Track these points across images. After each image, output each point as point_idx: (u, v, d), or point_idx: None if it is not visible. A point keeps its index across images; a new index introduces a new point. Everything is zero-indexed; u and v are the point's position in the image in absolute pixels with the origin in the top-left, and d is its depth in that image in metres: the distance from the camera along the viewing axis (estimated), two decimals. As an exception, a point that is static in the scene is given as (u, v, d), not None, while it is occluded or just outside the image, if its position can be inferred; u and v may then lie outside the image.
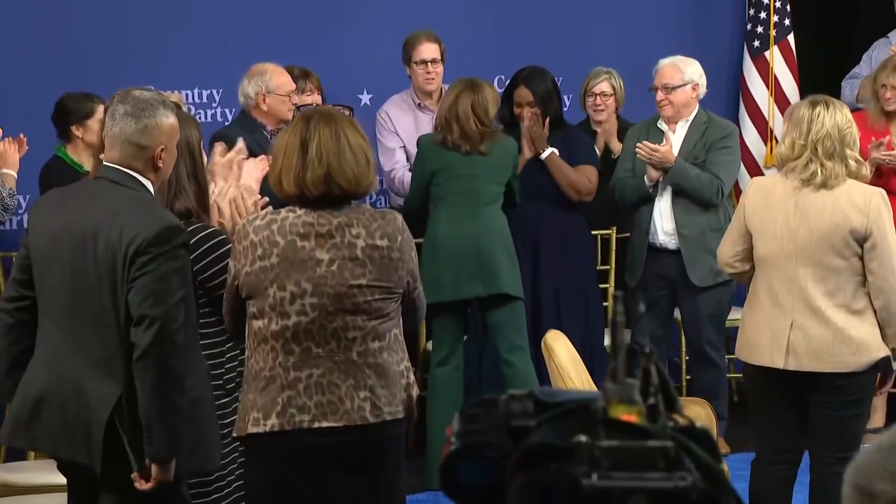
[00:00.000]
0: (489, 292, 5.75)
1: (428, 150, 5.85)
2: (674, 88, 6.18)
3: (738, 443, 6.06)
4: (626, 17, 7.45)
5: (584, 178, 6.10)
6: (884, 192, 4.50)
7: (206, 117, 6.58)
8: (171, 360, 3.46)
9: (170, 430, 3.46)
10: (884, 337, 4.49)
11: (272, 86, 5.79)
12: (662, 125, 6.21)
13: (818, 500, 4.58)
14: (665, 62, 6.30)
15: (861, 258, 4.44)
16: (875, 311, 4.48)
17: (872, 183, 4.83)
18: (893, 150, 6.17)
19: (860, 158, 4.49)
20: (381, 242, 3.62)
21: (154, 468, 3.49)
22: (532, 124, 6.02)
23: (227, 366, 3.93)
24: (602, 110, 6.62)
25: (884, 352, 4.51)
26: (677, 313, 6.39)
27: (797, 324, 4.48)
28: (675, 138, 6.15)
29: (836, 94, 6.95)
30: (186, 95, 6.57)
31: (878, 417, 6.37)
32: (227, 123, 6.39)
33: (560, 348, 4.65)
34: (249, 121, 5.81)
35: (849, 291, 4.46)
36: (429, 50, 6.38)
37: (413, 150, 6.10)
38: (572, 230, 6.19)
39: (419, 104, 6.44)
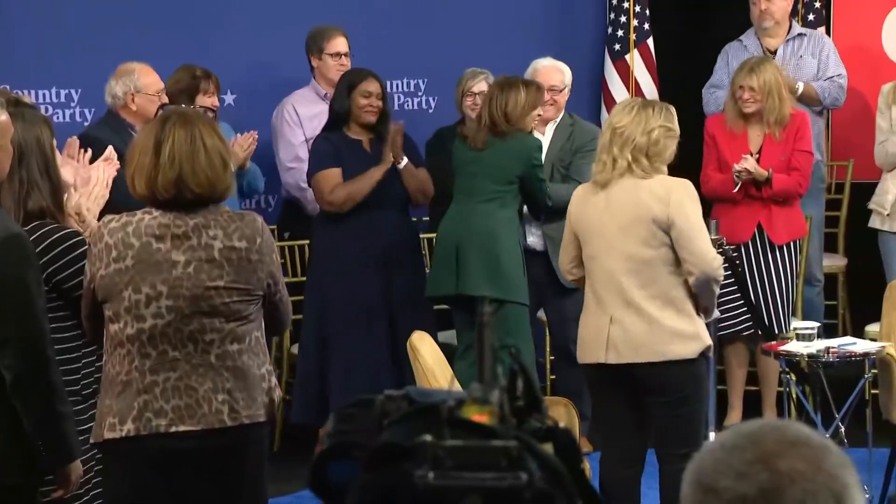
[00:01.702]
0: (457, 292, 5.76)
1: (455, 144, 5.96)
2: (560, 90, 6.26)
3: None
4: (489, 20, 7.49)
5: (430, 182, 6.12)
6: (688, 183, 4.62)
7: (63, 118, 6.44)
8: (48, 374, 3.44)
9: (63, 435, 3.50)
10: (697, 308, 4.60)
11: (141, 85, 5.74)
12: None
13: (668, 497, 4.66)
14: (545, 63, 6.35)
15: (671, 248, 4.55)
16: (693, 303, 4.60)
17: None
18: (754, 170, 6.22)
19: (630, 157, 4.57)
20: (239, 244, 3.57)
21: (61, 473, 3.54)
22: (396, 133, 5.99)
23: (83, 371, 3.85)
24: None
25: (704, 344, 4.61)
26: (541, 314, 6.44)
27: (615, 318, 4.59)
28: (543, 141, 6.19)
29: (695, 96, 7.08)
30: (43, 95, 6.44)
31: (735, 415, 6.49)
32: (86, 124, 6.28)
33: (425, 349, 4.67)
34: (116, 121, 5.75)
35: (662, 282, 4.56)
36: (342, 44, 6.51)
37: None
38: (415, 233, 6.25)
39: (326, 95, 6.44)
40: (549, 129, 6.28)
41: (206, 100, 6.06)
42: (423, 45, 7.22)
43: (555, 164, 6.19)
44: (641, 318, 4.56)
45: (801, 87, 6.83)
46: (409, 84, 7.19)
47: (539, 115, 5.91)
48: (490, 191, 5.79)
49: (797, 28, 7.07)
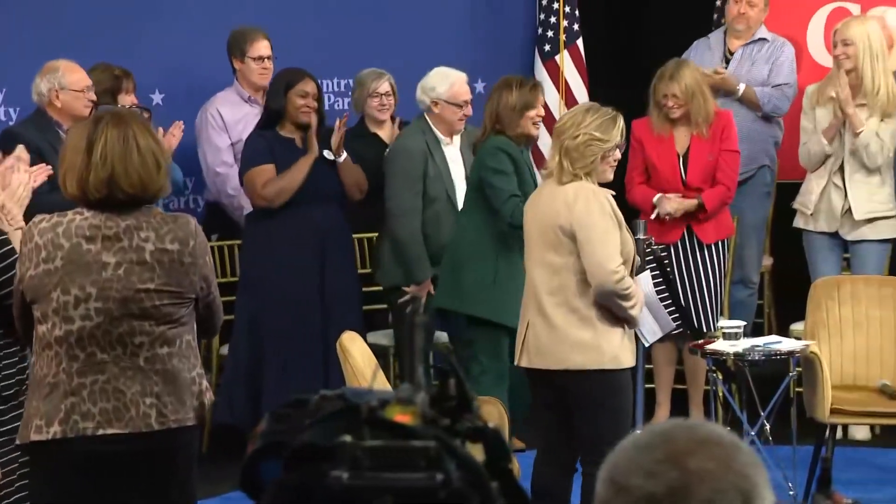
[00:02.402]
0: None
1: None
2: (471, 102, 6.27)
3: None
4: (419, 20, 7.49)
5: (365, 177, 6.11)
6: (601, 191, 4.55)
7: (-11, 117, 6.37)
8: None
9: None
10: (613, 317, 4.53)
11: (65, 82, 5.69)
12: (444, 137, 6.22)
13: (585, 501, 4.68)
14: (463, 76, 6.33)
15: (579, 257, 4.51)
16: (605, 313, 4.54)
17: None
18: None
19: (558, 158, 4.56)
20: (171, 246, 3.55)
21: None
22: (341, 126, 6.01)
23: (3, 372, 3.81)
24: (387, 110, 6.64)
25: (613, 361, 4.53)
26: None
27: (531, 322, 4.62)
28: (454, 150, 6.20)
29: (625, 97, 7.11)
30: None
31: (662, 413, 6.54)
32: (11, 123, 6.21)
33: (356, 350, 4.66)
34: (44, 119, 5.70)
35: (570, 290, 4.53)
36: (265, 47, 6.47)
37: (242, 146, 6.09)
38: (347, 231, 6.24)
39: (249, 97, 6.40)
40: (457, 141, 6.23)
41: (127, 98, 6.04)
42: (353, 45, 7.21)
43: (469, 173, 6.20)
44: (548, 325, 4.57)
45: (742, 88, 6.88)
46: (339, 84, 7.17)
47: (540, 117, 5.70)
48: (470, 198, 5.81)
49: (763, 32, 7.12)
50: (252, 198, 5.99)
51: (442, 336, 6.28)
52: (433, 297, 5.91)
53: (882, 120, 6.31)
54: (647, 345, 5.07)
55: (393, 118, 6.65)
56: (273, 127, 5.97)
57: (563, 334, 4.53)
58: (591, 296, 4.51)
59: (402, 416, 1.39)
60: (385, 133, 6.63)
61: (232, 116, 6.41)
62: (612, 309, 4.52)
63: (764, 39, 7.06)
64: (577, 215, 4.48)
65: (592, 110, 4.63)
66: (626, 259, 4.57)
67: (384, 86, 6.58)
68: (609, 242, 4.50)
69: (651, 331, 5.04)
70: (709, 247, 6.32)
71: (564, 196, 4.53)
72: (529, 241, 4.67)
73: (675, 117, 6.26)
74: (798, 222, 6.61)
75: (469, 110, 6.20)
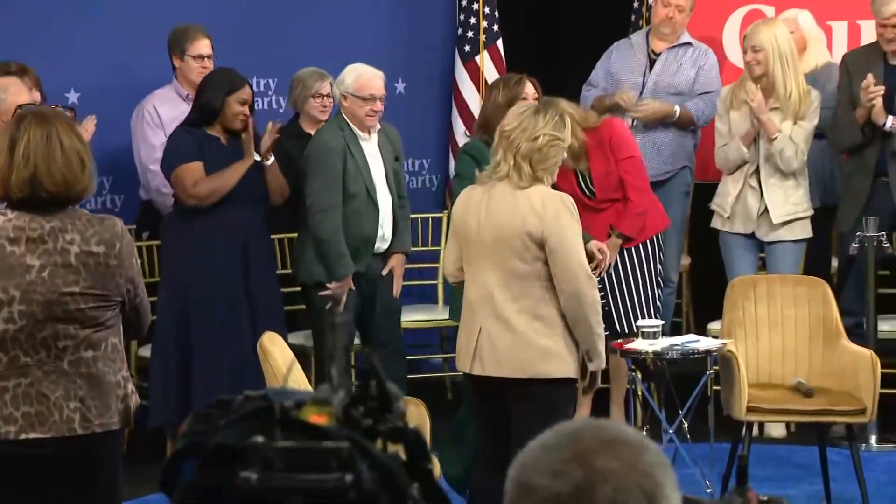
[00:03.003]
0: None
1: None
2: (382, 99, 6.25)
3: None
4: (339, 20, 7.48)
5: (286, 184, 6.15)
6: (567, 197, 4.50)
7: None
8: None
9: None
10: (575, 337, 4.47)
11: None
12: (362, 133, 6.20)
13: None
14: (375, 71, 6.30)
15: (546, 263, 4.43)
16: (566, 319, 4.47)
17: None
18: None
19: (514, 162, 4.46)
20: (97, 249, 3.52)
21: None
22: (273, 131, 6.00)
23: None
24: (327, 111, 6.63)
25: (568, 366, 4.48)
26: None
27: (485, 329, 4.50)
28: (373, 146, 6.18)
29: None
30: None
31: (583, 412, 6.58)
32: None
33: (276, 351, 4.63)
34: None
35: (534, 297, 4.45)
36: (206, 45, 6.42)
37: None
38: (268, 232, 6.25)
39: (187, 96, 6.37)
40: (375, 137, 6.19)
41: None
42: (273, 45, 7.18)
43: (398, 172, 6.20)
44: (509, 332, 4.46)
45: (678, 111, 6.93)
46: (258, 84, 7.13)
47: None
48: None
49: (686, 37, 7.17)
50: (181, 194, 5.94)
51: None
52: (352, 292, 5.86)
53: (795, 122, 6.39)
54: None
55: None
56: (201, 125, 5.94)
57: (528, 342, 4.45)
58: (555, 302, 4.45)
59: (317, 417, 1.39)
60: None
61: (168, 114, 6.36)
62: (573, 322, 4.44)
63: (689, 44, 7.12)
64: (549, 221, 4.40)
65: (540, 111, 4.54)
66: None
67: (326, 87, 6.58)
68: (580, 247, 4.46)
69: None
70: (634, 247, 6.32)
71: (529, 201, 4.44)
72: (479, 246, 4.53)
73: None
74: (715, 223, 6.68)
75: (378, 105, 6.12)
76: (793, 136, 6.37)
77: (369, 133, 6.12)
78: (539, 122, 4.49)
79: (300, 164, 6.15)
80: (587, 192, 6.15)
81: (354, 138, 6.07)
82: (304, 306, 6.55)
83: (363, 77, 6.09)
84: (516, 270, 4.46)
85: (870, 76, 6.23)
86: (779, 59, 6.34)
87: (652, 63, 7.07)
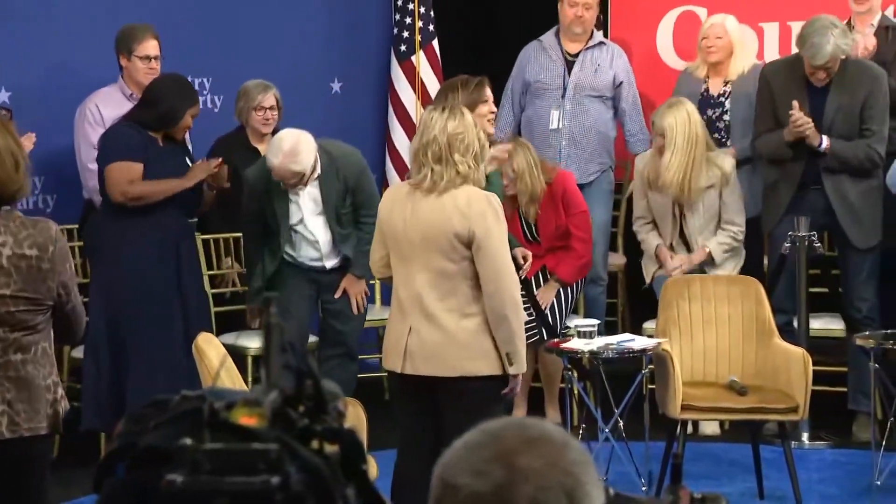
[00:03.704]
0: None
1: None
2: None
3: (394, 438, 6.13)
4: (274, 19, 7.44)
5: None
6: (494, 196, 4.51)
7: None
8: None
9: None
10: (496, 341, 4.46)
11: None
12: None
13: None
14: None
15: (473, 262, 4.44)
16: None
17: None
18: None
19: (473, 164, 4.48)
20: (29, 252, 3.48)
21: None
22: (224, 173, 6.10)
23: None
24: (271, 124, 6.59)
25: (498, 363, 4.48)
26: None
27: (414, 328, 4.51)
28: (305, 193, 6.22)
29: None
30: None
31: (519, 413, 6.60)
32: None
33: (211, 351, 4.61)
34: None
35: (461, 296, 4.46)
36: (153, 46, 6.37)
37: None
38: (195, 235, 6.28)
39: (131, 95, 6.32)
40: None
41: None
42: (207, 44, 7.13)
43: (337, 208, 6.13)
44: (438, 331, 4.47)
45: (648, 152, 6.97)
46: (193, 82, 7.06)
47: (493, 113, 5.26)
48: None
49: (598, 37, 7.21)
50: (112, 189, 5.87)
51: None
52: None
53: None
54: None
55: (275, 132, 6.61)
56: (148, 127, 5.91)
57: (457, 340, 4.46)
58: (480, 300, 4.46)
59: (247, 419, 1.38)
60: (265, 148, 6.58)
61: (110, 113, 6.28)
62: (494, 323, 4.44)
63: (602, 43, 7.17)
64: (475, 220, 4.42)
65: (460, 110, 4.54)
66: None
67: (269, 99, 6.55)
68: (505, 248, 4.49)
69: None
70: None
71: (455, 202, 4.45)
72: (407, 245, 4.54)
73: (509, 194, 6.31)
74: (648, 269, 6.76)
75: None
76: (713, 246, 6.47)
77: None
78: (440, 118, 4.50)
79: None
80: (530, 238, 6.42)
81: (278, 185, 6.02)
82: (239, 306, 6.55)
83: (273, 171, 5.92)
84: (444, 270, 4.47)
85: (795, 105, 6.23)
86: (685, 140, 6.35)
87: (569, 65, 7.10)
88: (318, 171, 5.99)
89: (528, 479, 1.50)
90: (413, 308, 4.52)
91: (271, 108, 6.54)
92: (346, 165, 6.09)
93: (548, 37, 7.20)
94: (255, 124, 6.56)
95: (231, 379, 4.56)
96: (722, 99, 6.91)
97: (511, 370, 4.48)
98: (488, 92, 5.22)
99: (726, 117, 6.89)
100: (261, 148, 6.54)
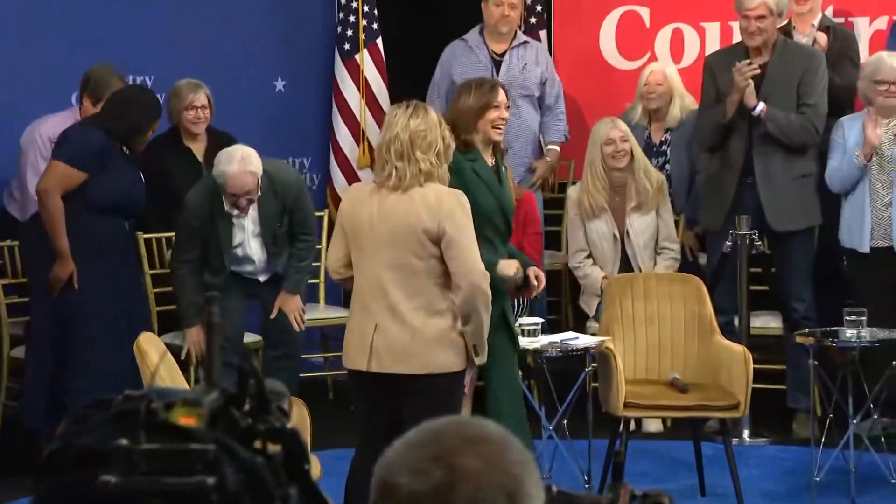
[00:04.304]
0: None
1: None
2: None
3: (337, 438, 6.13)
4: (215, 16, 7.40)
5: None
6: (461, 193, 4.53)
7: None
8: None
9: None
10: (464, 333, 4.51)
11: None
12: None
13: None
14: (244, 170, 6.32)
15: (441, 260, 4.47)
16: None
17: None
18: None
19: (435, 161, 4.49)
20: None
21: None
22: None
23: None
24: (203, 123, 6.55)
25: (465, 364, 4.52)
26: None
27: (380, 326, 4.51)
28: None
29: (423, 96, 7.19)
30: None
31: (465, 412, 6.61)
32: None
33: (153, 351, 4.59)
34: None
35: (429, 293, 4.48)
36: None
37: None
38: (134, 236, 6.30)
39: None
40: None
41: None
42: (148, 43, 7.08)
43: (274, 229, 6.11)
44: (405, 329, 4.48)
45: (552, 149, 6.96)
46: (134, 81, 7.02)
47: (502, 120, 5.06)
48: None
49: (521, 36, 7.25)
50: (44, 179, 5.79)
51: None
52: None
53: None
54: None
55: (209, 131, 6.56)
56: (112, 137, 5.87)
57: (425, 337, 4.47)
58: (447, 298, 4.47)
59: (186, 419, 1.37)
60: (198, 147, 6.54)
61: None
62: (466, 318, 4.46)
63: (527, 42, 7.21)
64: (444, 217, 4.42)
65: (425, 109, 4.55)
66: None
67: (200, 98, 6.50)
68: (474, 243, 4.50)
69: None
70: None
71: (424, 199, 4.45)
72: (373, 242, 4.52)
73: None
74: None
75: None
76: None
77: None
78: (403, 116, 4.50)
79: (180, 181, 6.21)
80: None
81: (221, 208, 5.99)
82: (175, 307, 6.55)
83: (231, 178, 5.89)
84: (411, 267, 4.48)
85: (744, 62, 6.33)
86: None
87: (497, 64, 7.12)
88: (259, 192, 5.97)
89: (467, 480, 1.49)
90: (379, 306, 4.52)
91: (202, 106, 6.50)
92: (284, 187, 6.08)
93: (472, 36, 7.22)
94: (186, 124, 6.52)
95: (171, 377, 4.54)
96: (664, 147, 6.99)
97: (477, 361, 4.54)
98: (501, 97, 5.03)
99: (668, 167, 6.96)
100: (193, 147, 6.52)
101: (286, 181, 6.11)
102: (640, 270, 6.50)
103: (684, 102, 7.00)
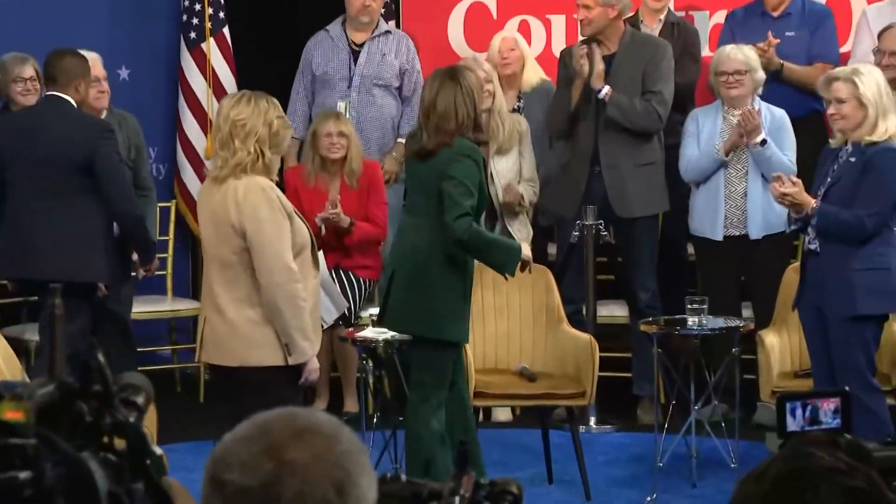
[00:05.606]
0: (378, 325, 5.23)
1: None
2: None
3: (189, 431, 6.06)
4: (59, 5, 7.24)
5: None
6: (269, 185, 4.47)
7: None
8: None
9: None
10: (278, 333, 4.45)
11: None
12: None
13: None
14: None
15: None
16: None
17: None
18: None
19: (255, 150, 4.43)
20: None
21: None
22: None
23: None
24: (32, 94, 6.40)
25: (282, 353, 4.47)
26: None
27: (208, 319, 4.56)
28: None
29: (275, 88, 7.11)
30: None
31: (321, 403, 6.59)
32: None
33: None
34: None
35: (245, 286, 4.46)
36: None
37: None
38: None
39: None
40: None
41: None
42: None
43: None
44: (223, 321, 4.49)
45: (400, 143, 6.94)
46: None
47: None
48: (419, 204, 5.09)
49: (384, 25, 7.23)
50: None
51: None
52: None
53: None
54: (324, 326, 4.99)
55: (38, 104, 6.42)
56: None
57: (240, 330, 4.46)
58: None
59: (13, 413, 1.35)
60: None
61: None
62: (270, 307, 4.42)
63: (388, 32, 7.22)
64: (245, 212, 4.40)
65: (261, 97, 4.50)
66: (303, 247, 4.50)
67: (28, 70, 6.39)
68: (278, 238, 4.42)
69: (328, 310, 5.05)
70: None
71: (234, 192, 4.43)
72: (204, 237, 4.59)
73: (333, 157, 6.52)
74: None
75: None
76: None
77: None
78: (268, 107, 4.47)
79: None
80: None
81: None
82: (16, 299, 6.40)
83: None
84: (227, 260, 4.49)
85: (584, 46, 6.44)
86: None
87: (356, 55, 7.12)
88: None
89: (294, 473, 1.49)
90: (207, 299, 4.60)
91: (31, 78, 6.40)
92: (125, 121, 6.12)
93: (334, 27, 7.20)
94: (15, 97, 6.41)
95: (11, 371, 4.44)
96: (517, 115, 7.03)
97: (290, 360, 4.46)
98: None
99: None
100: None
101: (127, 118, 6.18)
102: (502, 213, 6.47)
103: (537, 67, 7.05)
